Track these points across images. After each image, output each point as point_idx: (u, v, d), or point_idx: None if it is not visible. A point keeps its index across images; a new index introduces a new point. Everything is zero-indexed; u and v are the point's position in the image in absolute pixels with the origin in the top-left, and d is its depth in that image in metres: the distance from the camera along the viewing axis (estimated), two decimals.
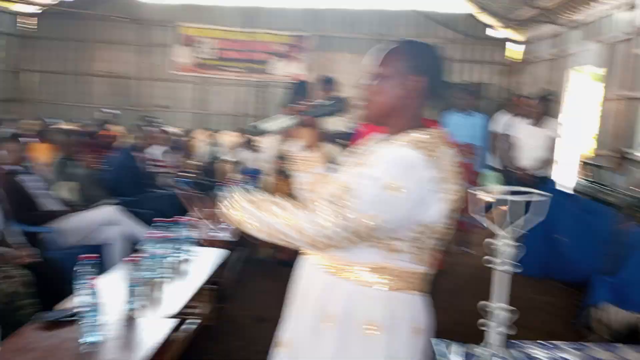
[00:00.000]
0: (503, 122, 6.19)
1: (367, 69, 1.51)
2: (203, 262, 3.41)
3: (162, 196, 5.35)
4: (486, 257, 3.11)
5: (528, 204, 1.58)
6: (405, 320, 1.42)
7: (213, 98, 13.01)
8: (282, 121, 1.57)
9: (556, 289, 4.69)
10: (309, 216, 1.33)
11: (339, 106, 1.58)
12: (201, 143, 9.41)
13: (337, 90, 5.17)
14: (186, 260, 3.31)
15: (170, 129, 8.57)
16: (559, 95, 9.61)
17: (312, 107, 1.57)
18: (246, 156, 8.35)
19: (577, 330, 3.87)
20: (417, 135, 1.40)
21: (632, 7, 7.39)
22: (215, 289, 3.70)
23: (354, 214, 1.29)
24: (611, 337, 3.64)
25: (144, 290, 2.56)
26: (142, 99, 12.98)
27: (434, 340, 1.85)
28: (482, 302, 3.05)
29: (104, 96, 12.81)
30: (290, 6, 12.75)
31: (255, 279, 4.78)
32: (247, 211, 1.41)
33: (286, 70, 12.66)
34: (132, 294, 2.45)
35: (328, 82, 5.14)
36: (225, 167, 8.80)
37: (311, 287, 1.49)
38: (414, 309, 1.45)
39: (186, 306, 2.85)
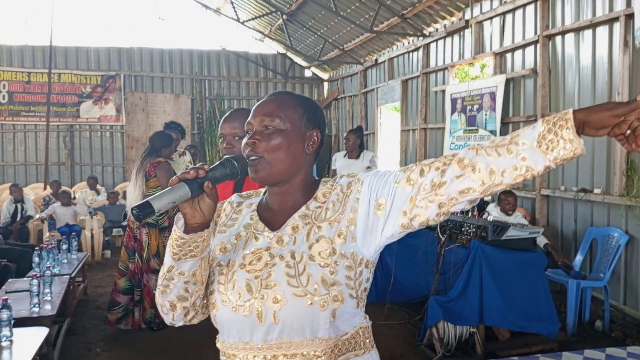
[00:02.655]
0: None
1: (254, 121, 1.29)
2: (23, 345, 2.96)
3: None
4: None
5: None
6: None
7: (13, 147, 11.61)
8: (174, 195, 1.13)
9: (395, 312, 4.97)
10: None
11: (243, 166, 1.23)
12: (4, 200, 8.21)
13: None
14: (3, 347, 2.82)
15: None
16: (373, 128, 10.46)
17: (211, 172, 1.18)
18: (59, 211, 7.52)
19: (422, 350, 4.12)
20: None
21: (421, 48, 8.37)
22: None
23: None
24: (446, 350, 3.96)
25: None
26: None
27: None
28: None
29: None
30: (99, 45, 12.05)
31: (83, 352, 4.25)
32: None
33: (96, 112, 11.86)
34: None
35: (178, 128, 4.96)
36: (37, 226, 7.85)
37: None
38: None
39: None
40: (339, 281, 1.18)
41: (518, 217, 4.95)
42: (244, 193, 1.43)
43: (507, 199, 5.00)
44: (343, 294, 1.19)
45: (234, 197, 1.41)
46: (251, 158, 1.27)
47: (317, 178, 1.36)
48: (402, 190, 1.18)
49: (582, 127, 1.06)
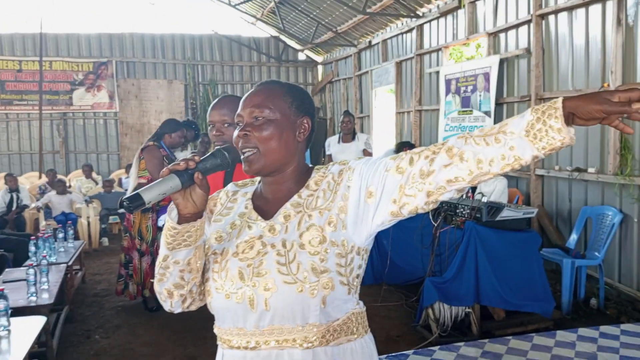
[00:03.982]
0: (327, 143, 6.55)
1: (244, 113, 1.29)
2: (21, 334, 2.97)
3: None
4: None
5: None
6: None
7: (6, 136, 11.54)
8: (164, 186, 1.13)
9: (391, 293, 5.01)
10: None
11: (234, 156, 1.23)
12: None
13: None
14: (1, 337, 2.84)
15: None
16: (368, 111, 10.44)
17: (201, 163, 1.18)
18: (55, 200, 7.51)
19: (418, 331, 4.16)
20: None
21: (415, 30, 8.32)
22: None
23: None
24: (442, 330, 4.00)
25: None
26: None
27: None
28: None
29: None
30: (89, 32, 11.91)
31: (82, 340, 4.29)
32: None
33: (89, 99, 11.78)
34: None
35: (192, 126, 5.09)
36: (33, 215, 7.85)
37: None
38: (374, 345, 1.36)
39: None
40: (330, 268, 1.19)
41: (500, 179, 5.13)
42: (239, 182, 1.43)
43: None
44: (333, 280, 1.20)
45: (230, 186, 1.42)
46: (245, 152, 1.27)
47: (310, 165, 1.36)
48: (392, 179, 1.18)
49: (571, 117, 1.06)
